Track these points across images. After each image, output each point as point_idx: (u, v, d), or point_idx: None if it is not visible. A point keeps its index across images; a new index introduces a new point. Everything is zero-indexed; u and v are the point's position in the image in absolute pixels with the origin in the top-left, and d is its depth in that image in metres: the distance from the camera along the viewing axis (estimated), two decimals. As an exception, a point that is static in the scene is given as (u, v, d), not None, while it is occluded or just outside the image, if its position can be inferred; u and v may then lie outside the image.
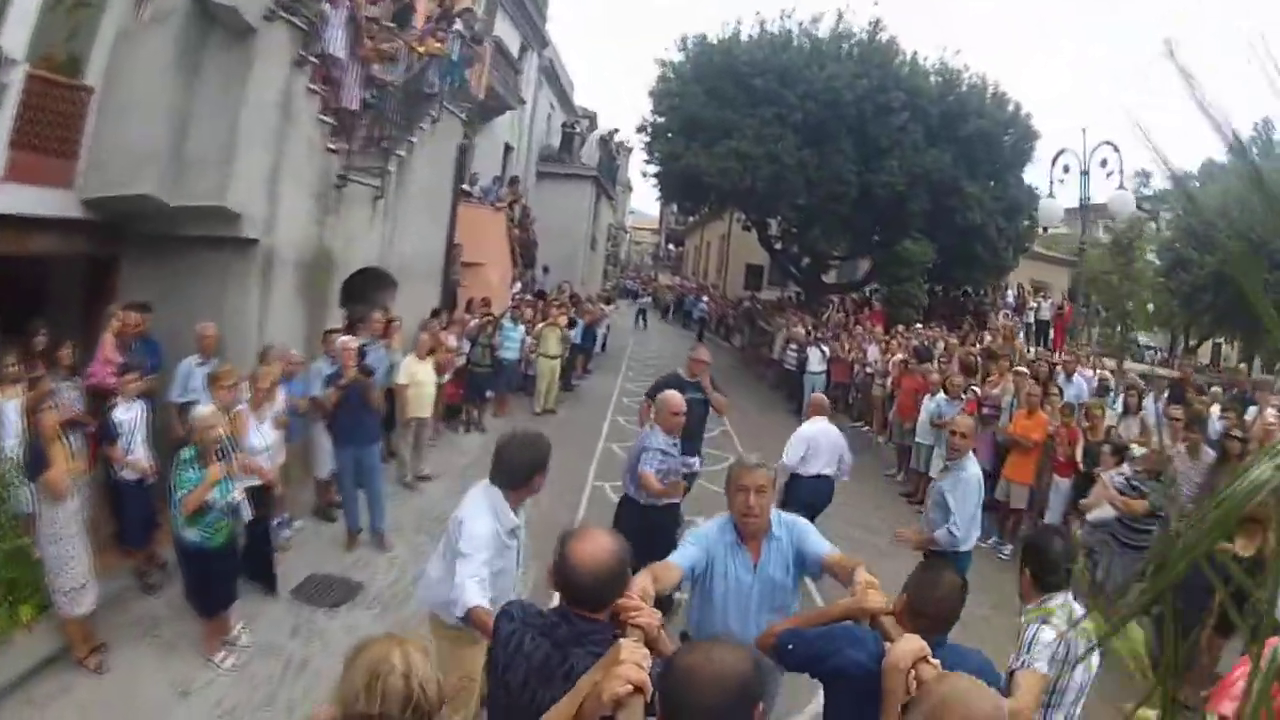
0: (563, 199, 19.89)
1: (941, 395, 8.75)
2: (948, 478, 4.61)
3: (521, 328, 10.85)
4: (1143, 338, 25.95)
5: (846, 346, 13.01)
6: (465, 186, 12.31)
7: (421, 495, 7.35)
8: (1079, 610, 2.58)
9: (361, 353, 6.17)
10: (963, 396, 8.53)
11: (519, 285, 13.80)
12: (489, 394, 10.12)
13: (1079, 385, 9.26)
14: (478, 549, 2.69)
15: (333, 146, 7.23)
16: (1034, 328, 17.12)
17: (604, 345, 19.20)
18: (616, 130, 22.03)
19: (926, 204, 17.32)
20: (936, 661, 1.74)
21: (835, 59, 16.34)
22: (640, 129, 18.56)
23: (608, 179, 22.22)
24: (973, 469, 4.61)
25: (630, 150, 29.00)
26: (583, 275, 20.75)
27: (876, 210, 16.83)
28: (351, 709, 1.49)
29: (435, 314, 9.28)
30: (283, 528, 5.91)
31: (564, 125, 20.75)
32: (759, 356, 17.76)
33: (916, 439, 9.05)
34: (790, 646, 2.12)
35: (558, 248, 19.06)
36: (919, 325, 14.35)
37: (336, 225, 7.39)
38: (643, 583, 2.06)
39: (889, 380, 11.01)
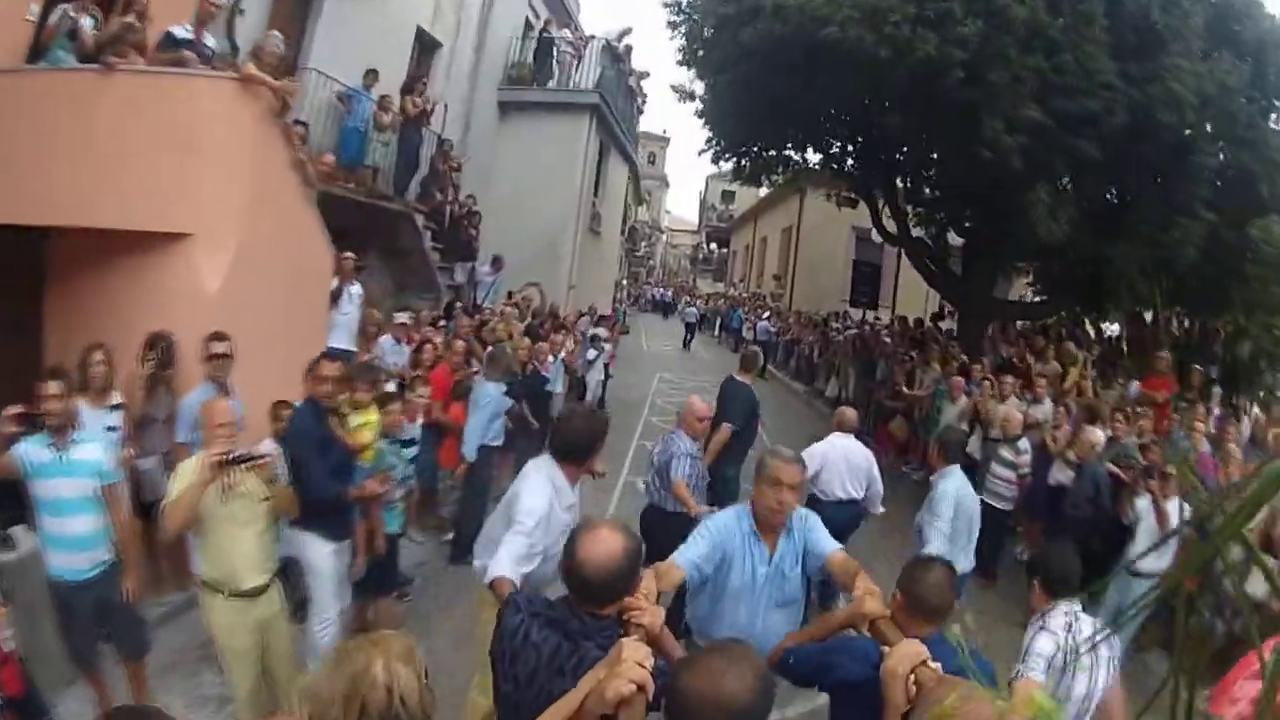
0: (539, 144, 11.69)
1: None
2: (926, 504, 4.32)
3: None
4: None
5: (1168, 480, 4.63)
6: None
7: None
8: (1086, 622, 2.58)
9: None
10: None
11: (355, 287, 5.59)
12: None
13: None
14: (527, 522, 2.65)
15: None
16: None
17: (602, 399, 11.08)
18: (629, 31, 13.32)
19: (1214, 153, 8.89)
20: (937, 665, 1.67)
21: None
22: (673, 18, 10.29)
23: (619, 116, 13.69)
24: (947, 485, 4.19)
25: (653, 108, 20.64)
26: (573, 275, 12.52)
27: (1151, 156, 8.28)
28: (325, 715, 1.43)
29: None
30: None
31: (543, 30, 12.51)
32: (890, 439, 9.31)
33: None
34: (791, 660, 2.15)
35: (527, 227, 10.96)
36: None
37: None
38: (646, 583, 2.03)
39: None
